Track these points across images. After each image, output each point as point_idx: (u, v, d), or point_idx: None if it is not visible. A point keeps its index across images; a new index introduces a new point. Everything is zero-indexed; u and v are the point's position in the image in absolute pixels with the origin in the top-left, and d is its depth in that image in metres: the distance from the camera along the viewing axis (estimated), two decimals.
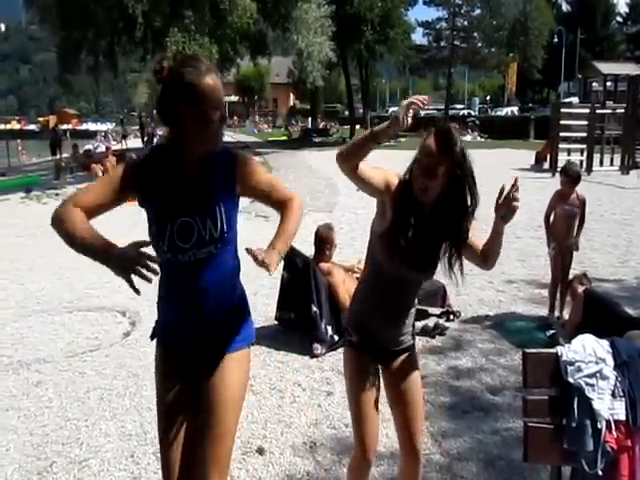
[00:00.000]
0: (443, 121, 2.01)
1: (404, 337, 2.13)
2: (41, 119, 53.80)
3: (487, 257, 2.01)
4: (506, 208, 1.85)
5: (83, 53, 20.89)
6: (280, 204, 1.91)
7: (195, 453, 1.88)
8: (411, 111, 1.72)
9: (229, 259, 1.89)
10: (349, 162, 1.85)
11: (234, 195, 1.88)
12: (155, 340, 1.98)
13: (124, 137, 31.69)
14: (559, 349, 1.94)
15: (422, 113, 1.88)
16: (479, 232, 2.05)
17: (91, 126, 59.93)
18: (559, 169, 5.06)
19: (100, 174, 15.38)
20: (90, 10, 17.77)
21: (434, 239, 1.99)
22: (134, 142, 31.90)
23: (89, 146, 26.32)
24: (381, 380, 2.15)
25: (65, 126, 31.71)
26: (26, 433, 3.24)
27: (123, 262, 1.59)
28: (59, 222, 1.71)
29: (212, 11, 18.99)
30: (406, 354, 2.15)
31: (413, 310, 2.15)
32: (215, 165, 1.82)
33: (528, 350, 1.94)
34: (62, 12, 18.15)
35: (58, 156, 22.80)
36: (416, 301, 2.17)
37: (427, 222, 1.96)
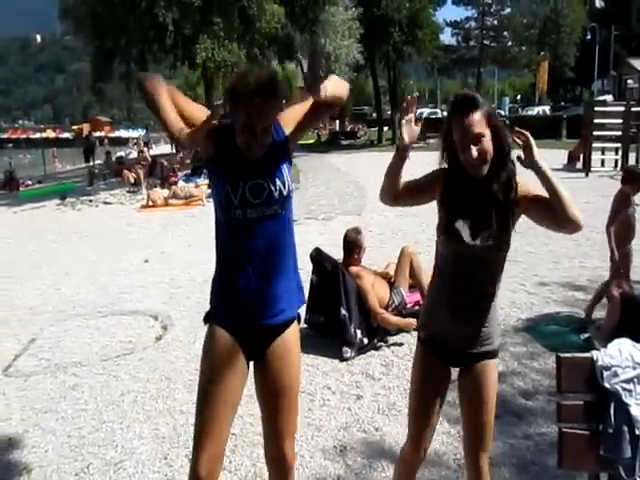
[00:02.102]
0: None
1: (482, 338, 1.90)
2: (75, 127, 55.09)
3: (555, 211, 1.82)
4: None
5: (115, 62, 21.35)
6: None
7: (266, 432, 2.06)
8: (404, 122, 1.82)
9: (290, 224, 1.97)
10: (391, 194, 1.95)
11: (289, 151, 1.97)
12: (207, 326, 2.01)
13: (146, 145, 25.23)
14: (594, 353, 1.90)
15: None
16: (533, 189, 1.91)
17: (123, 133, 61.05)
18: (621, 172, 4.79)
19: (132, 180, 15.71)
20: (122, 20, 18.15)
21: (491, 207, 1.85)
22: (163, 148, 32.08)
23: (121, 153, 26.81)
24: (450, 381, 2.01)
25: (98, 133, 32.29)
26: (64, 435, 3.32)
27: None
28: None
29: (241, 17, 19.18)
30: (484, 362, 1.92)
31: (494, 302, 1.91)
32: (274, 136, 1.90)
33: (562, 354, 1.90)
34: (95, 22, 18.57)
35: (91, 163, 23.30)
36: (498, 291, 1.92)
37: (483, 193, 1.85)
